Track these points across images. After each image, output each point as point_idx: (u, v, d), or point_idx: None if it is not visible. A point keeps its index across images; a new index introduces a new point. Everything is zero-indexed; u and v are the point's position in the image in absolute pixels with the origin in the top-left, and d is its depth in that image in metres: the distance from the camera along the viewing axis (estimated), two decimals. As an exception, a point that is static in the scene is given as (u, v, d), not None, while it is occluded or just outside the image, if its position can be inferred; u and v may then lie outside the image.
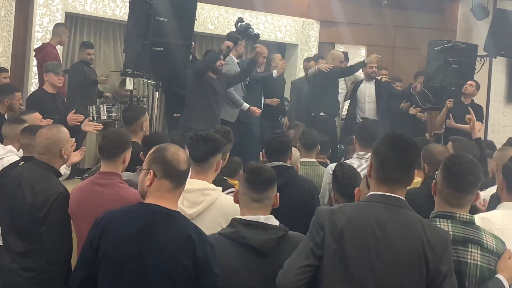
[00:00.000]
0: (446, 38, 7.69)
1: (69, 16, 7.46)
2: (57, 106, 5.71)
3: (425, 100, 7.34)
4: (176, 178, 2.22)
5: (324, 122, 6.91)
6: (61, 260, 2.92)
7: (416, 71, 8.08)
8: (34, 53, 6.74)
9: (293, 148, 3.54)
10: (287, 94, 7.82)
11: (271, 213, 2.41)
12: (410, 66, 8.51)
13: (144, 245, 2.10)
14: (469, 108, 5.55)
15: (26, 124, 3.91)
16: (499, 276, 2.21)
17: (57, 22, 6.96)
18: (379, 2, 8.63)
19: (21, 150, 3.77)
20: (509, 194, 2.75)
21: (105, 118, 6.65)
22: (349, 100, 7.70)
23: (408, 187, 2.24)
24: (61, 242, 2.93)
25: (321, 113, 7.02)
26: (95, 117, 6.46)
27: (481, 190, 2.77)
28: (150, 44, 5.23)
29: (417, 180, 3.05)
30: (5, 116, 5.01)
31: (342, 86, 7.55)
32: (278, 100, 7.14)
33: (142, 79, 6.09)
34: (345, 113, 7.83)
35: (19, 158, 3.56)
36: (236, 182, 3.62)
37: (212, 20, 8.31)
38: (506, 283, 2.20)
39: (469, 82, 6.86)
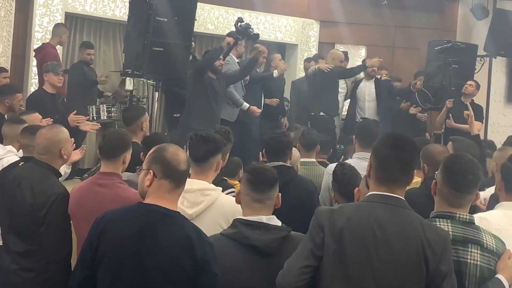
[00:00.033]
0: (446, 38, 7.67)
1: (69, 16, 7.46)
2: (57, 106, 5.71)
3: (425, 100, 7.33)
4: (175, 178, 2.22)
5: (324, 122, 6.91)
6: (61, 260, 2.92)
7: (416, 71, 8.06)
8: (34, 53, 6.73)
9: (293, 148, 3.54)
10: (287, 94, 7.82)
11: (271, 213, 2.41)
12: (410, 66, 8.50)
13: (143, 245, 2.10)
14: (468, 104, 5.54)
15: (26, 124, 3.91)
16: (499, 276, 2.21)
17: (57, 22, 6.96)
18: (379, 2, 8.62)
19: (21, 150, 3.77)
20: (507, 194, 2.75)
21: (105, 118, 6.64)
22: (349, 100, 7.70)
23: (407, 187, 2.24)
24: (61, 242, 2.93)
25: (321, 113, 7.02)
26: (95, 117, 6.45)
27: (481, 190, 2.77)
28: (150, 44, 5.23)
29: (417, 180, 3.05)
30: (5, 116, 5.01)
31: (343, 85, 7.54)
32: (278, 100, 7.13)
33: (142, 79, 6.10)
34: (345, 113, 7.83)
35: (19, 158, 3.56)
36: (236, 182, 3.63)
37: (212, 20, 8.31)
38: (506, 283, 2.20)
39: (469, 82, 6.85)
